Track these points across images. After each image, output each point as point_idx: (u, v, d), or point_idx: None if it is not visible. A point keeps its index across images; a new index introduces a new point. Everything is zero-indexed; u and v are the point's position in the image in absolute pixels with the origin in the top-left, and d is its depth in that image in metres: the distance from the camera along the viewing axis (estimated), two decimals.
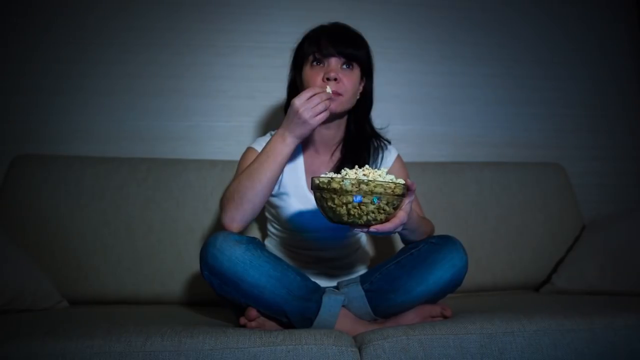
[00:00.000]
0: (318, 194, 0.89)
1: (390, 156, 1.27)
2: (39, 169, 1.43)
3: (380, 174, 0.88)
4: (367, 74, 1.20)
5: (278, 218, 1.24)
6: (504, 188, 1.62)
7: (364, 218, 0.86)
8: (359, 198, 0.84)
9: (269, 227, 1.32)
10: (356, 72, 1.15)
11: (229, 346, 0.86)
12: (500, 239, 1.56)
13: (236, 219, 1.03)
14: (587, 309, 1.02)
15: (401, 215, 0.91)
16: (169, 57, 1.71)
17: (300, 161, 1.22)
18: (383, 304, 1.05)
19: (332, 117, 1.18)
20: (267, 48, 1.77)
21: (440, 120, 1.87)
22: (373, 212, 0.86)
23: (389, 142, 1.28)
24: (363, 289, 1.07)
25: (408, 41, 1.86)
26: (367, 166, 0.91)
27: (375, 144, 1.26)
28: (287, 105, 1.27)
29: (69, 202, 1.41)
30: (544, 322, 0.94)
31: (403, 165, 1.29)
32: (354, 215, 0.86)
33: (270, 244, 1.31)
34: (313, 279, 1.20)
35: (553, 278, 1.47)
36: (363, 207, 0.85)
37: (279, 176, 1.05)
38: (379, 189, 0.84)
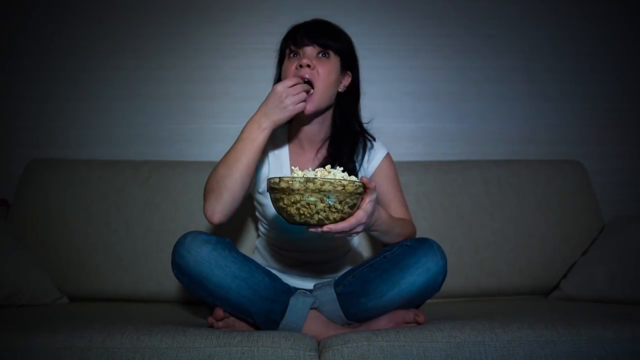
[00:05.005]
0: (272, 195, 0.88)
1: (378, 155, 1.22)
2: (49, 173, 1.51)
3: (335, 173, 0.86)
4: (350, 67, 1.18)
5: (264, 216, 1.23)
6: (514, 187, 1.52)
7: (315, 217, 0.84)
8: (309, 197, 0.82)
9: (259, 226, 1.31)
10: (333, 62, 1.12)
11: (185, 345, 0.87)
12: (507, 241, 1.46)
13: (217, 210, 1.01)
14: (577, 318, 0.93)
15: (359, 215, 0.87)
16: (176, 62, 1.75)
17: (285, 158, 1.20)
18: (354, 308, 1.01)
19: (311, 116, 1.16)
20: (273, 50, 1.74)
21: (453, 117, 1.79)
22: (324, 211, 0.83)
23: (374, 139, 1.24)
24: (336, 291, 1.04)
25: (418, 37, 1.80)
26: (324, 168, 0.89)
27: (363, 141, 1.22)
28: None
29: (74, 204, 1.47)
30: (520, 332, 0.87)
31: (391, 165, 1.23)
32: (304, 214, 0.84)
33: (260, 244, 1.31)
34: (299, 282, 1.19)
35: (561, 284, 1.36)
36: (312, 206, 0.82)
37: (256, 161, 1.03)
38: (327, 187, 0.81)
